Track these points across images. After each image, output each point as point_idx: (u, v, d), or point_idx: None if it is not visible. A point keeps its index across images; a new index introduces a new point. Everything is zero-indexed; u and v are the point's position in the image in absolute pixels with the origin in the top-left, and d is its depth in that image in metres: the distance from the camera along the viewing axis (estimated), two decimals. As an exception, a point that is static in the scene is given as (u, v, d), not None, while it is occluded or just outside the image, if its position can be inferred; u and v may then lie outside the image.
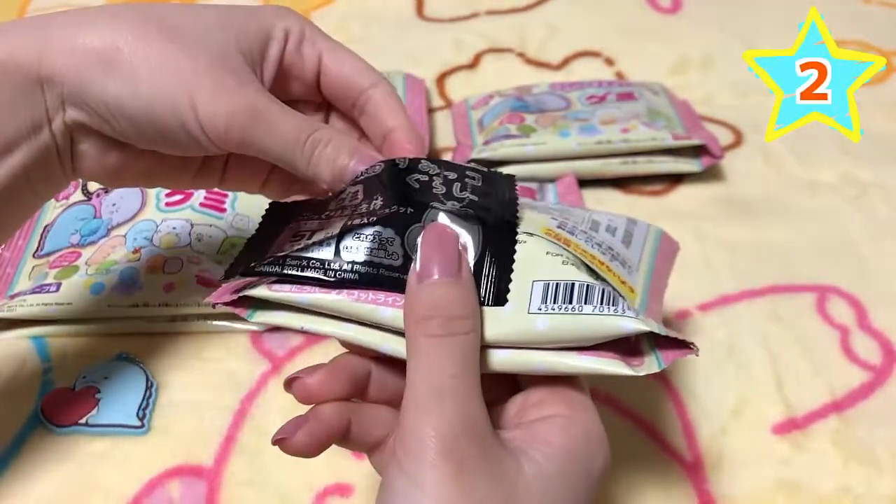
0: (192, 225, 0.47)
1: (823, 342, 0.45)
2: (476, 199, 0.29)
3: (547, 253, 0.29)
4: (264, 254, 0.30)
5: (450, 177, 0.30)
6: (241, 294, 0.29)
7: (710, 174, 0.56)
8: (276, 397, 0.42)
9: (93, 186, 0.51)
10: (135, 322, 0.45)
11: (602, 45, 0.69)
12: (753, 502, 0.38)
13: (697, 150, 0.55)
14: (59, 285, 0.44)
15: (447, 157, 0.58)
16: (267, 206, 0.33)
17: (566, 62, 0.68)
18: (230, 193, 0.49)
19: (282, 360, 0.44)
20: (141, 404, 0.41)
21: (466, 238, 0.28)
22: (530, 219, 0.31)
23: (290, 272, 0.28)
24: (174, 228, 0.47)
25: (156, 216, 0.48)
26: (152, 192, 0.49)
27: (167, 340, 0.45)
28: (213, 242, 0.47)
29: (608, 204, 0.54)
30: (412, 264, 0.27)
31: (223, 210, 0.48)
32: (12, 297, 0.45)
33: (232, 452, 0.40)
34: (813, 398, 0.42)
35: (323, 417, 0.29)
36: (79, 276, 0.45)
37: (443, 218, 0.28)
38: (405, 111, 0.33)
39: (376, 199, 0.29)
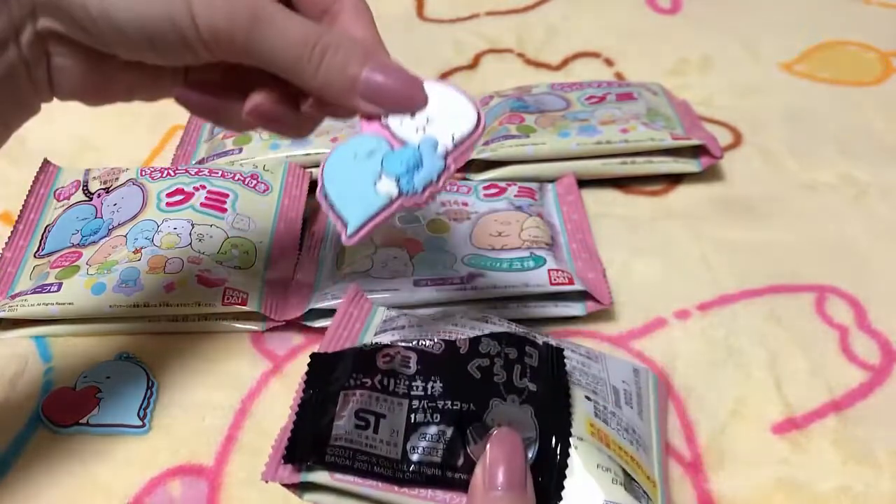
0: (192, 225, 0.47)
1: (822, 342, 0.45)
2: (535, 388, 0.30)
3: (598, 466, 0.30)
4: (324, 429, 0.30)
5: (510, 356, 0.31)
6: (301, 479, 0.30)
7: (710, 174, 0.56)
8: (277, 397, 0.42)
9: (94, 186, 0.51)
10: (136, 322, 0.45)
11: (602, 45, 0.69)
12: (753, 501, 0.38)
13: (697, 151, 0.55)
14: (60, 285, 0.45)
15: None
16: (309, 360, 0.34)
17: (566, 62, 0.68)
18: (231, 194, 0.49)
19: (282, 360, 0.44)
20: (142, 404, 0.42)
21: (526, 438, 0.29)
22: (577, 409, 0.32)
23: (359, 467, 0.29)
24: (175, 228, 0.47)
25: (156, 216, 0.48)
26: (153, 193, 0.49)
27: (168, 340, 0.45)
28: (214, 242, 0.47)
29: (608, 204, 0.54)
30: (477, 469, 0.28)
31: (224, 210, 0.49)
32: (13, 296, 0.45)
33: (233, 452, 0.40)
34: (812, 398, 0.42)
35: None
36: (80, 276, 0.45)
37: (504, 415, 0.29)
38: (374, 24, 0.32)
39: (434, 381, 0.30)
